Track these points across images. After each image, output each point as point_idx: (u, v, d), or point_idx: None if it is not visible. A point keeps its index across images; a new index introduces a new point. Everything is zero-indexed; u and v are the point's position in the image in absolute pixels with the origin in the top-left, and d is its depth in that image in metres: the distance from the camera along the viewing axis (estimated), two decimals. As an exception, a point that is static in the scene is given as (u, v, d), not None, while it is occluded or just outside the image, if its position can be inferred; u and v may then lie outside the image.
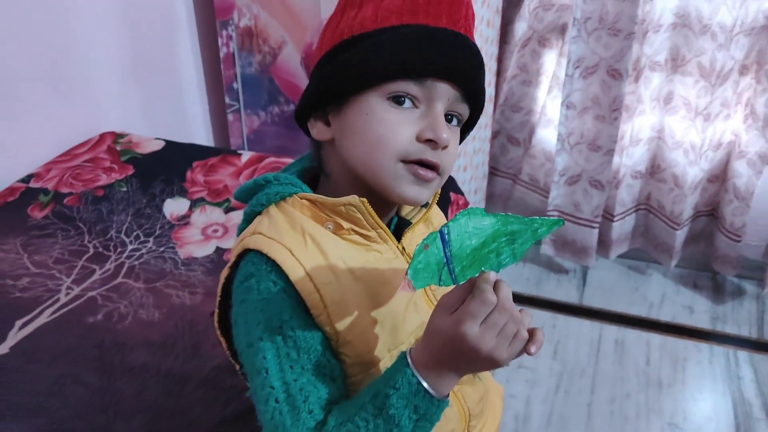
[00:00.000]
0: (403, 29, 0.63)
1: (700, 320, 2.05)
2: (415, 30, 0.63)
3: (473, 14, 0.68)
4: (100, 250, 1.25)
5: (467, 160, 1.99)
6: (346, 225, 0.65)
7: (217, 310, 0.69)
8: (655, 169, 2.10)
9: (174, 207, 1.39)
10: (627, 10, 1.80)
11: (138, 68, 1.84)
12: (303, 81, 2.00)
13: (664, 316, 2.07)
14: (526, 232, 0.56)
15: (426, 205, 0.74)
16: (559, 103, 2.02)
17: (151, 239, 1.29)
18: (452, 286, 0.59)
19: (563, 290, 2.19)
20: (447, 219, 0.77)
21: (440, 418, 0.61)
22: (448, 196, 1.35)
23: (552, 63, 2.10)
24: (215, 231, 1.32)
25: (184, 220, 1.36)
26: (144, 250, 1.26)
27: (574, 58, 1.92)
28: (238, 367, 0.72)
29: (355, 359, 0.64)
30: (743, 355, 1.91)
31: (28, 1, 1.48)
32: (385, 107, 0.64)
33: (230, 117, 2.10)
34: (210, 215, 1.37)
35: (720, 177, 2.05)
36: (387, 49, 0.63)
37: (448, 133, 0.64)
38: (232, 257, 0.67)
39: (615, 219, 2.14)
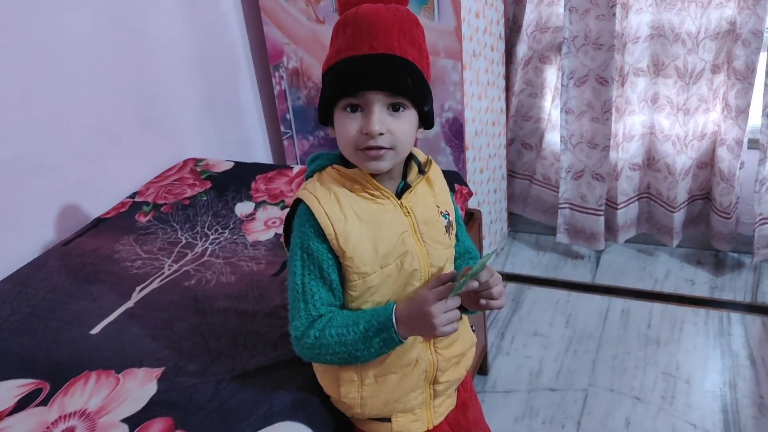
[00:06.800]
0: (340, 64, 0.94)
1: (700, 290, 2.32)
2: (344, 62, 0.94)
3: (413, 36, 0.94)
4: (190, 240, 1.68)
5: (483, 164, 2.35)
6: (356, 186, 1.01)
7: (283, 234, 1.08)
8: (650, 161, 2.40)
9: (243, 208, 1.81)
10: (607, 27, 2.14)
11: (210, 106, 2.31)
12: (342, 107, 2.41)
13: (668, 289, 2.34)
14: (481, 266, 0.93)
15: (423, 173, 1.07)
16: (560, 109, 2.36)
17: (226, 231, 1.71)
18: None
19: (578, 272, 2.49)
20: (453, 201, 1.13)
21: (394, 348, 0.98)
22: (453, 186, 1.72)
23: (553, 76, 2.45)
24: (273, 222, 1.73)
25: (250, 217, 1.78)
26: (222, 239, 1.68)
27: (567, 71, 2.27)
28: None
29: (355, 270, 1.00)
30: (736, 316, 2.16)
31: (124, 61, 1.96)
32: (344, 115, 0.94)
33: (285, 142, 2.54)
34: (270, 212, 1.78)
35: (708, 163, 2.34)
36: (335, 79, 0.94)
37: (381, 125, 0.92)
38: (292, 203, 1.04)
39: (619, 207, 2.44)
